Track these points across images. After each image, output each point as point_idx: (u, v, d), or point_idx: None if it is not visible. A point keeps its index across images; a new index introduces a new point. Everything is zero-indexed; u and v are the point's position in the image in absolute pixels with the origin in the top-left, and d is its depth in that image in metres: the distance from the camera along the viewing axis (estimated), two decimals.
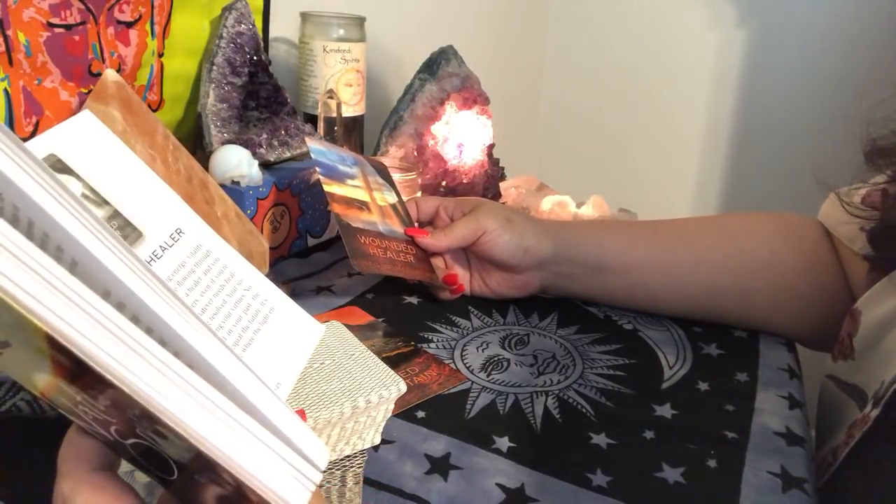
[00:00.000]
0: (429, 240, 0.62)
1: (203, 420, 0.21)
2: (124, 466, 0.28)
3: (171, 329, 0.22)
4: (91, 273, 0.21)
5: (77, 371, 0.21)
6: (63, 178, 0.29)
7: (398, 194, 0.69)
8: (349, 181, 0.63)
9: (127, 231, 0.30)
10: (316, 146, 0.63)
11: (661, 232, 0.62)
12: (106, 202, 0.30)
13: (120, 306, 0.21)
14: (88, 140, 0.31)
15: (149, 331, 0.22)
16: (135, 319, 0.21)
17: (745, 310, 0.62)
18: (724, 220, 0.65)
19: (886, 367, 0.48)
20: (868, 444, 0.48)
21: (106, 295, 0.21)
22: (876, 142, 0.53)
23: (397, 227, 0.64)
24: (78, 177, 0.29)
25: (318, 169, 0.61)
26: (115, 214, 0.30)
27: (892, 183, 0.53)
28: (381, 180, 0.68)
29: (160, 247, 0.31)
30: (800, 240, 0.61)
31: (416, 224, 0.66)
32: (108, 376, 0.20)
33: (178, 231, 0.32)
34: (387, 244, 0.61)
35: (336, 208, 0.60)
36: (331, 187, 0.61)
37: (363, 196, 0.63)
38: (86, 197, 0.29)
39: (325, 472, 0.38)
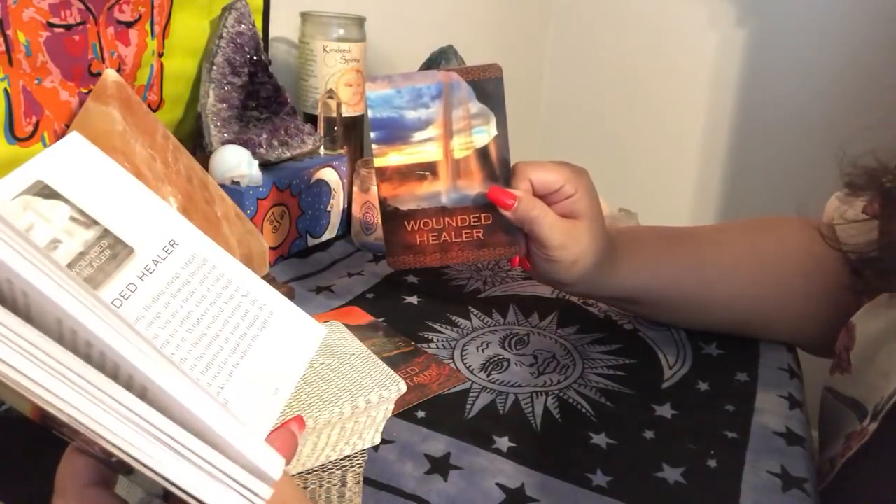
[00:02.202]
0: (510, 213, 0.52)
1: (145, 446, 0.22)
2: None
3: (123, 357, 0.22)
4: (40, 304, 0.21)
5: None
6: (50, 203, 0.29)
7: (501, 122, 0.55)
8: (416, 135, 0.54)
9: (118, 249, 0.30)
10: (378, 91, 0.53)
11: (706, 263, 0.58)
12: (95, 222, 0.30)
13: (73, 333, 0.22)
14: (76, 162, 0.31)
15: (102, 356, 0.22)
16: (88, 345, 0.22)
17: (764, 333, 0.61)
18: (761, 240, 0.61)
19: (886, 380, 0.48)
20: (864, 457, 0.48)
21: (58, 323, 0.22)
22: (851, 178, 0.53)
23: (475, 188, 0.54)
24: (66, 200, 0.30)
25: (372, 134, 0.53)
26: (105, 233, 0.30)
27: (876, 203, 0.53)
28: (475, 108, 0.54)
29: (153, 261, 0.31)
30: (829, 259, 0.58)
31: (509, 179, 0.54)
32: (52, 410, 0.21)
33: (172, 243, 0.32)
34: (446, 222, 0.54)
35: (384, 190, 0.54)
36: (384, 158, 0.54)
37: (432, 154, 0.54)
38: (74, 220, 0.30)
39: (325, 472, 0.38)
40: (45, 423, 0.26)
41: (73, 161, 0.31)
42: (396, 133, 0.54)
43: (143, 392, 0.22)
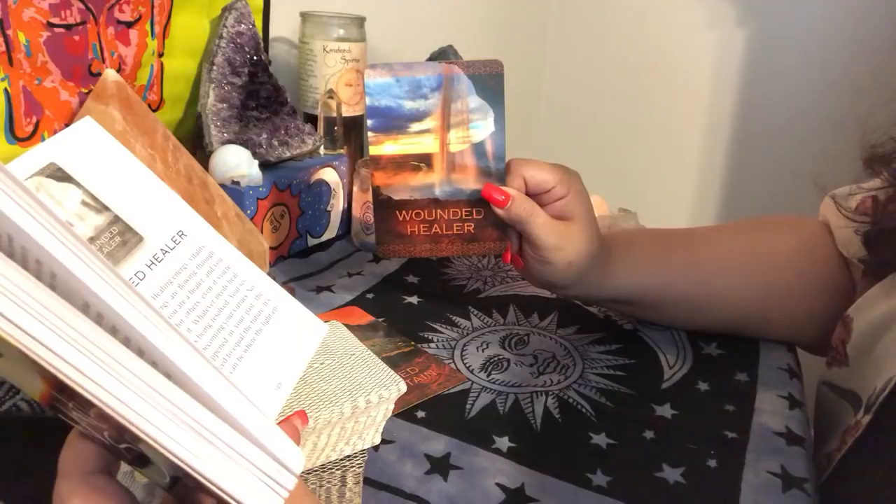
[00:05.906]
0: (503, 211, 0.52)
1: (172, 430, 0.21)
2: (124, 466, 0.28)
3: (150, 343, 0.22)
4: (69, 285, 0.21)
5: (58, 381, 0.21)
6: (63, 186, 0.29)
7: (499, 119, 0.54)
8: (414, 126, 0.53)
9: (127, 236, 0.30)
10: (377, 80, 0.53)
11: (701, 262, 0.58)
12: (106, 208, 0.30)
13: (99, 317, 0.21)
14: (89, 147, 0.31)
15: (126, 341, 0.22)
16: (113, 331, 0.21)
17: (762, 332, 0.61)
18: (756, 238, 0.61)
19: (879, 372, 0.48)
20: (858, 451, 0.48)
21: (85, 307, 0.21)
22: (874, 148, 0.53)
23: (468, 183, 0.54)
24: (78, 184, 0.30)
25: (369, 122, 0.53)
26: (116, 220, 0.30)
27: (883, 189, 0.53)
28: (474, 102, 0.54)
29: (161, 250, 0.31)
30: (825, 258, 0.59)
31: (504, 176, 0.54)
32: (76, 387, 0.20)
33: (180, 234, 0.32)
34: (438, 215, 0.55)
35: (378, 179, 0.54)
36: (380, 146, 0.53)
37: (428, 146, 0.54)
38: (86, 204, 0.29)
39: (325, 472, 0.38)
40: (54, 406, 0.25)
41: (85, 146, 0.31)
42: (393, 122, 0.54)
43: (167, 377, 0.22)
